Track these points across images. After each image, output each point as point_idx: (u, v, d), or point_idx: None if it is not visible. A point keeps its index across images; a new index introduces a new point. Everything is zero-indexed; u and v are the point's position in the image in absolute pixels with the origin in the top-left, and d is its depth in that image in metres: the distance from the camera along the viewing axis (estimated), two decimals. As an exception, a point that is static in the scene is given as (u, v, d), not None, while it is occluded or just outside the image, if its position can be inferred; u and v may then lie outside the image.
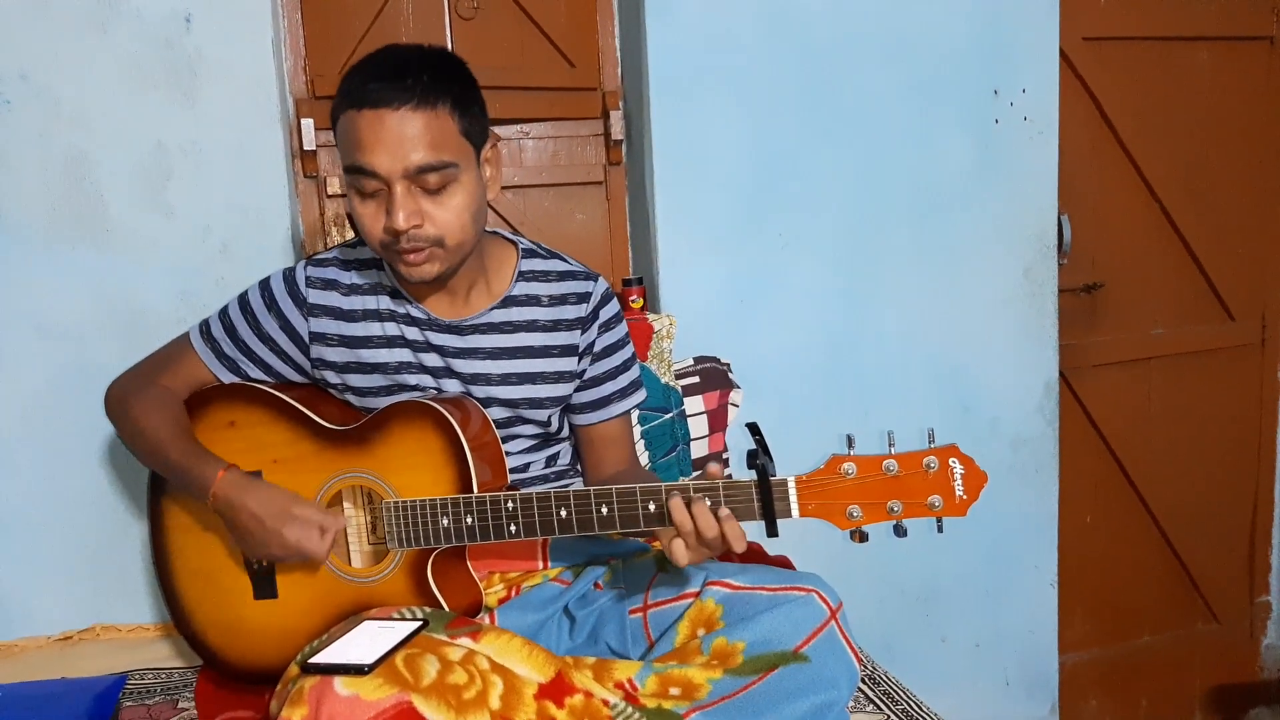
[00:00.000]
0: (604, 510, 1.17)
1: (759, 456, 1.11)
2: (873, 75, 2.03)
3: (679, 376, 1.88)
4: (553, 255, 1.40)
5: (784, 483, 1.12)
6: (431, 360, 1.32)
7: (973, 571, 2.23)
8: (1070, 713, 2.51)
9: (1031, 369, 2.21)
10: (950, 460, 1.11)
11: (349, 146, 1.18)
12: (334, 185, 1.93)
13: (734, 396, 1.93)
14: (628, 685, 1.14)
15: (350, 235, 1.91)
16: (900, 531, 1.13)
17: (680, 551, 1.13)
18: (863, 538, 1.13)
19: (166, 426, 1.30)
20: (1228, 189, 2.48)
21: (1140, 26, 2.34)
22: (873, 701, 1.45)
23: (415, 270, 1.22)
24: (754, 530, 1.16)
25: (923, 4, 2.03)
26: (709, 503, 1.12)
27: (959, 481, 1.11)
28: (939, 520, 1.12)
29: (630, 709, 1.11)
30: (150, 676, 1.56)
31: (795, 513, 1.12)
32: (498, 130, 2.03)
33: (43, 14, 1.65)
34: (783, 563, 1.59)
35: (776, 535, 1.12)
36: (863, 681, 1.51)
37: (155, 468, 1.34)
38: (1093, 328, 2.43)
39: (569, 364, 1.37)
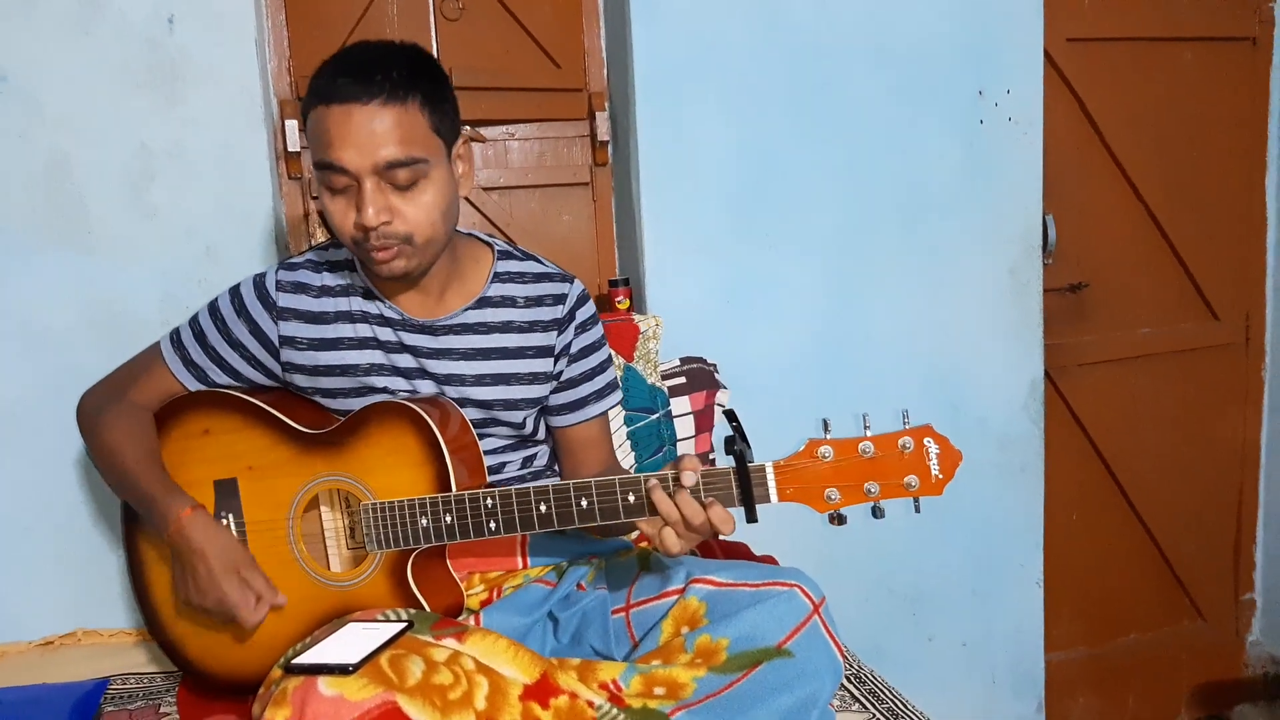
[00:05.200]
0: (583, 503, 1.17)
1: (736, 443, 1.11)
2: (859, 76, 2.04)
3: (665, 377, 1.88)
4: (528, 257, 1.40)
5: (762, 468, 1.12)
6: (404, 361, 1.31)
7: (959, 571, 2.23)
8: (1057, 711, 2.52)
9: (1017, 368, 2.22)
10: (925, 440, 1.11)
11: (319, 143, 1.18)
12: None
13: (720, 397, 1.93)
14: (612, 686, 1.13)
15: (323, 237, 1.91)
16: (878, 513, 1.13)
17: (672, 540, 1.13)
18: (841, 520, 1.13)
19: (134, 452, 1.28)
20: (1212, 189, 2.49)
21: (1124, 27, 2.35)
22: (859, 700, 1.45)
23: (385, 267, 1.21)
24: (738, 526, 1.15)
25: (908, 5, 2.04)
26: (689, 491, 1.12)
27: (934, 461, 1.11)
28: (916, 500, 1.12)
29: (615, 710, 1.11)
30: (132, 681, 1.55)
31: (774, 498, 1.13)
32: (483, 131, 2.04)
33: (24, 14, 1.64)
34: (767, 561, 1.59)
35: (756, 520, 1.11)
36: (848, 680, 1.51)
37: (121, 494, 1.32)
38: (1078, 327, 2.44)
39: (545, 365, 1.36)
